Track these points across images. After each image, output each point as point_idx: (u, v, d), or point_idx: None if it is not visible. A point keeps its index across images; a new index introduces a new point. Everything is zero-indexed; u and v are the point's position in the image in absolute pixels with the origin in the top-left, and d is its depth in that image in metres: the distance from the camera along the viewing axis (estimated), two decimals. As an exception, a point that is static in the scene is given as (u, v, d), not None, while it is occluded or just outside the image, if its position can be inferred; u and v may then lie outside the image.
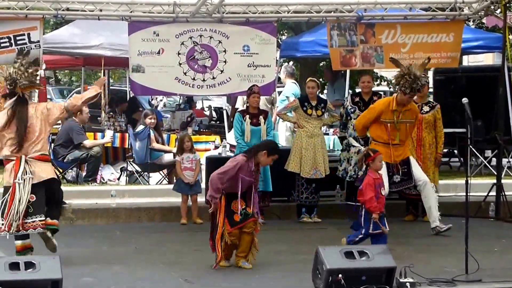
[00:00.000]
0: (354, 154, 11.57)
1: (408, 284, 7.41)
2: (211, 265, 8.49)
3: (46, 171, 8.68)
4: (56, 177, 8.95)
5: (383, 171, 9.94)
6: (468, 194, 8.36)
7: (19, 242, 8.63)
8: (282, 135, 14.18)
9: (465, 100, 8.73)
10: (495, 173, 12.49)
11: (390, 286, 7.40)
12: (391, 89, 21.47)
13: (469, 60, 28.59)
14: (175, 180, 13.02)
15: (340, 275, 7.23)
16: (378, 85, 21.35)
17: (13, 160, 8.55)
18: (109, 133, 14.36)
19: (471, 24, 18.52)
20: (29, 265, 6.92)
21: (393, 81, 10.50)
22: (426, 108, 11.50)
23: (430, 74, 16.87)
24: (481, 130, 15.15)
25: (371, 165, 9.13)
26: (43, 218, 8.56)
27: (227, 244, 8.50)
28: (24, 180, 8.45)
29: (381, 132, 10.44)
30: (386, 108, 10.43)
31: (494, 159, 14.50)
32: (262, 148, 8.69)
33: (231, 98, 15.78)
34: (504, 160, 13.90)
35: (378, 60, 12.55)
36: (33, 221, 8.51)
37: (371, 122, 10.51)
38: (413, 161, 10.58)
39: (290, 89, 14.40)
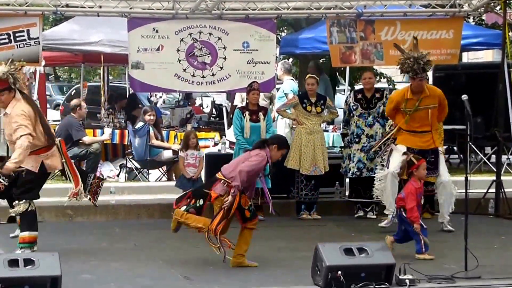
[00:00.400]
0: (357, 151, 11.58)
1: (407, 281, 7.41)
2: (221, 259, 8.44)
3: None
4: None
5: (400, 155, 9.97)
6: (468, 191, 8.36)
7: (27, 234, 8.61)
8: (281, 132, 14.15)
9: (464, 97, 8.73)
10: (495, 170, 12.49)
11: (389, 283, 7.40)
12: (391, 86, 21.47)
13: (468, 57, 28.58)
14: (174, 177, 13.03)
15: (339, 272, 7.23)
16: (377, 81, 21.35)
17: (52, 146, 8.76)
18: (107, 131, 14.35)
19: (470, 21, 18.51)
20: (28, 262, 6.91)
21: (399, 70, 10.40)
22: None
23: (430, 71, 16.86)
24: (480, 127, 15.15)
25: (415, 173, 9.00)
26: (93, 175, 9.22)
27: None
28: None
29: (403, 120, 10.41)
30: (402, 98, 10.34)
31: (493, 156, 14.50)
32: (271, 142, 8.63)
33: (230, 95, 15.78)
34: (504, 157, 13.90)
35: (378, 57, 12.55)
36: (90, 184, 9.06)
37: (394, 111, 10.46)
38: (441, 155, 10.47)
39: (289, 85, 14.38)
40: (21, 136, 8.34)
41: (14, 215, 8.74)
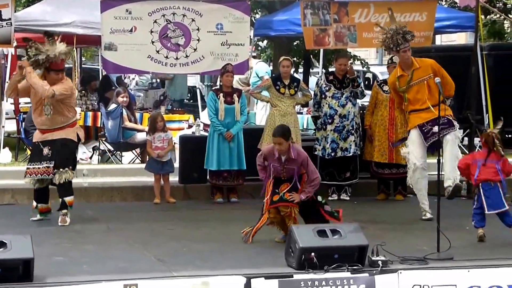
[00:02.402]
0: (330, 131, 11.60)
1: (380, 262, 7.44)
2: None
3: None
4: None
5: (418, 140, 9.92)
6: (440, 173, 8.41)
7: (72, 198, 9.73)
8: (259, 114, 14.17)
9: (437, 79, 8.75)
10: (467, 153, 12.55)
11: (362, 264, 7.43)
12: (364, 69, 21.51)
13: (442, 40, 28.69)
14: (147, 159, 12.97)
15: (312, 254, 7.26)
16: (352, 64, 21.41)
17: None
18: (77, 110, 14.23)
19: (443, 3, 18.55)
20: (0, 244, 6.87)
21: (384, 49, 10.34)
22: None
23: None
24: (453, 109, 15.18)
25: None
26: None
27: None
28: None
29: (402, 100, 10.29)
30: (394, 77, 10.27)
31: (466, 139, 14.58)
32: None
33: (204, 77, 15.73)
34: (476, 140, 13.97)
35: (351, 40, 12.54)
36: None
37: (397, 96, 10.35)
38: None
39: (263, 68, 14.38)
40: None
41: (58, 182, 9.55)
